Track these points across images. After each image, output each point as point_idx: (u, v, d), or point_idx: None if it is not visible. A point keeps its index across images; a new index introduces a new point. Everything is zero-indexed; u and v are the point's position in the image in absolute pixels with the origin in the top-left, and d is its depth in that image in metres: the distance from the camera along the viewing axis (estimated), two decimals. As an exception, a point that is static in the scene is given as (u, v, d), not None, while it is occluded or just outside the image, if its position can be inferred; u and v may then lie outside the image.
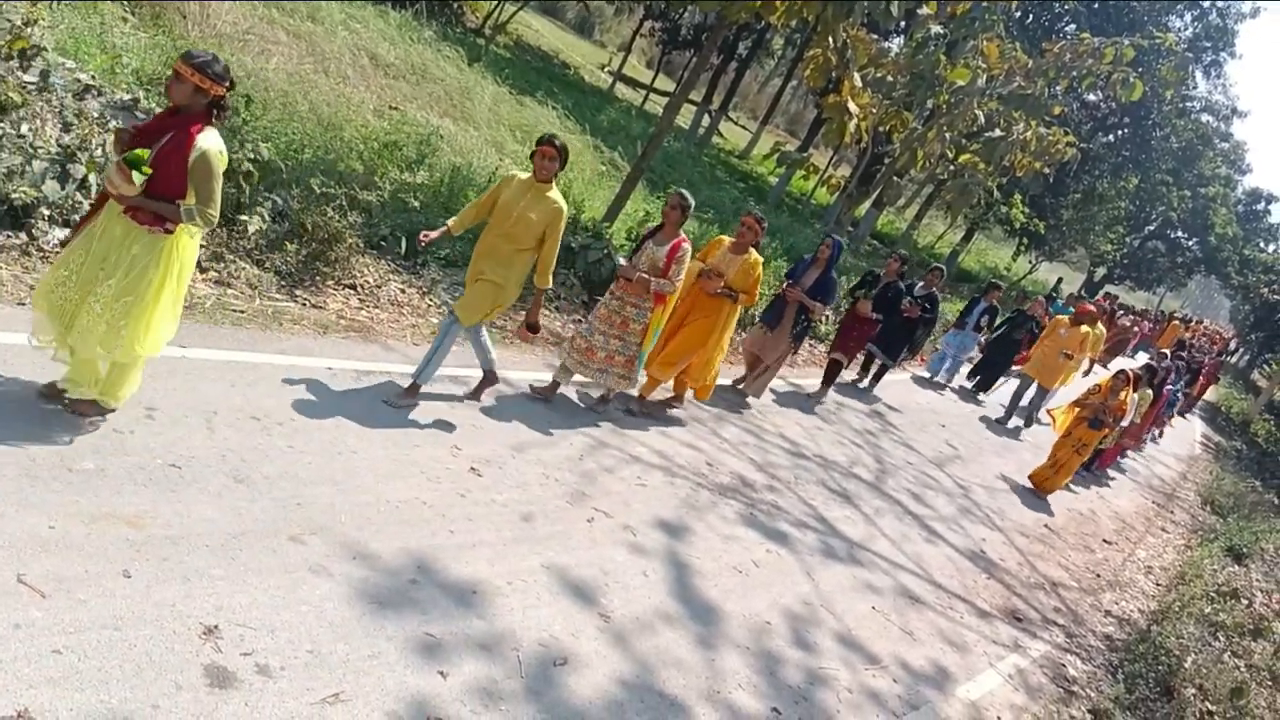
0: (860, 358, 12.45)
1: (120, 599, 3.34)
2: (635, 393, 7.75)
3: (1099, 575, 9.30)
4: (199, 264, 6.49)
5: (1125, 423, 11.46)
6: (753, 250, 7.84)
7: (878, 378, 12.42)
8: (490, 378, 6.42)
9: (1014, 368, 14.97)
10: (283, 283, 6.96)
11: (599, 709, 3.98)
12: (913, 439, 11.01)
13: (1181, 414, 21.84)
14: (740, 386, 9.49)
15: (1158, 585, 9.88)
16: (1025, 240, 34.49)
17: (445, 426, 5.84)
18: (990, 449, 12.25)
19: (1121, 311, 27.00)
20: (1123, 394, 10.58)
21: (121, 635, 3.19)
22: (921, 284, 12.01)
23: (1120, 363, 23.08)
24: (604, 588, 4.89)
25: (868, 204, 25.05)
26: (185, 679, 3.14)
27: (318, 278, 7.23)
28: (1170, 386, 15.43)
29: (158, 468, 4.14)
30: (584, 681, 4.10)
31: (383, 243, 8.24)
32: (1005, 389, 15.03)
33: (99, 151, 6.32)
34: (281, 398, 5.26)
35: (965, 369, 15.77)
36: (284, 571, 3.85)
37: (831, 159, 35.05)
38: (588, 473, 6.09)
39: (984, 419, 13.85)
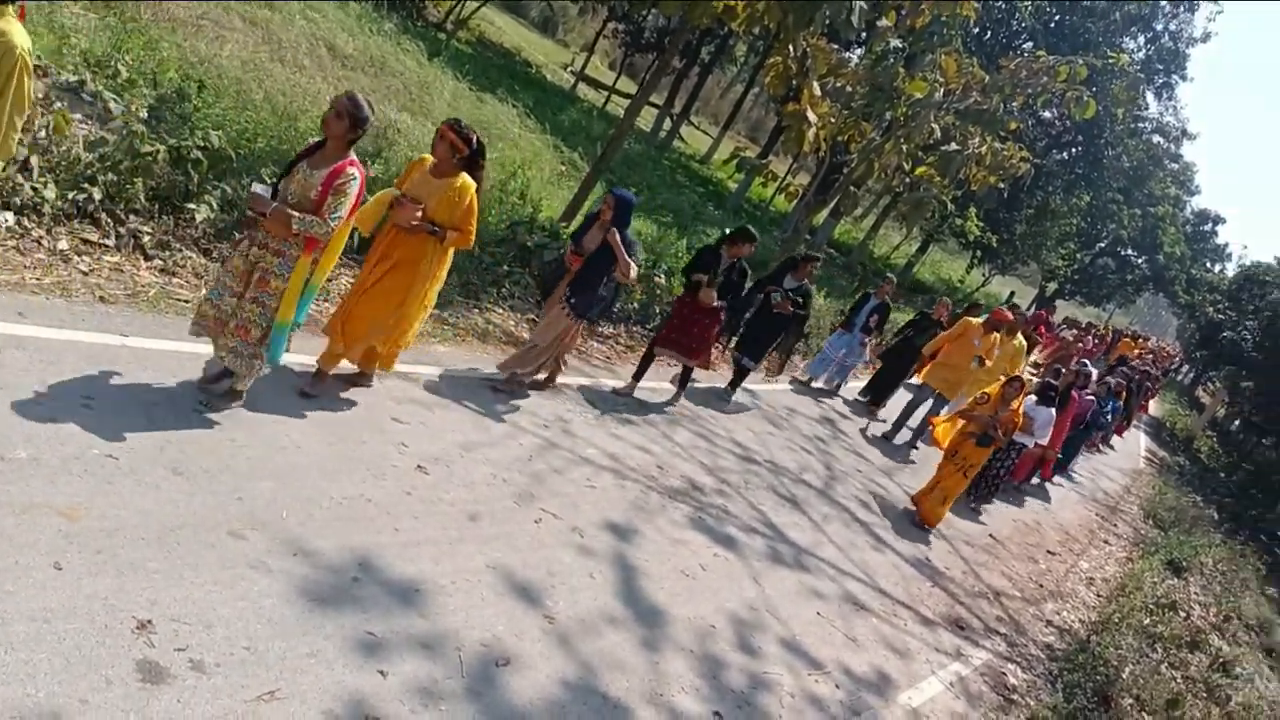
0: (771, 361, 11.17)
1: (50, 591, 3.26)
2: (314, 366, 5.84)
3: (1042, 585, 9.44)
4: (144, 252, 6.37)
5: (1030, 443, 10.51)
6: (463, 174, 5.73)
7: (737, 381, 10.36)
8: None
9: (912, 380, 13.24)
10: (231, 273, 6.84)
11: (540, 710, 3.95)
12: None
13: (1106, 441, 20.24)
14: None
15: (1099, 596, 10.05)
16: (979, 253, 34.96)
17: (393, 423, 5.77)
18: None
19: (1065, 326, 27.26)
20: (1015, 403, 9.00)
21: (51, 628, 3.11)
22: (792, 275, 10.29)
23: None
24: (550, 589, 4.86)
25: (825, 212, 25.24)
26: (116, 674, 3.07)
27: (267, 269, 7.11)
28: (1090, 399, 14.00)
29: (94, 458, 4.04)
30: (526, 682, 4.07)
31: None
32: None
33: (42, 134, 6.18)
34: (223, 390, 5.16)
35: (862, 380, 14.45)
36: (222, 566, 3.77)
37: (791, 167, 35.28)
38: (537, 474, 6.05)
39: (867, 436, 11.84)
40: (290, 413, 5.27)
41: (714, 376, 10.23)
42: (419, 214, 5.56)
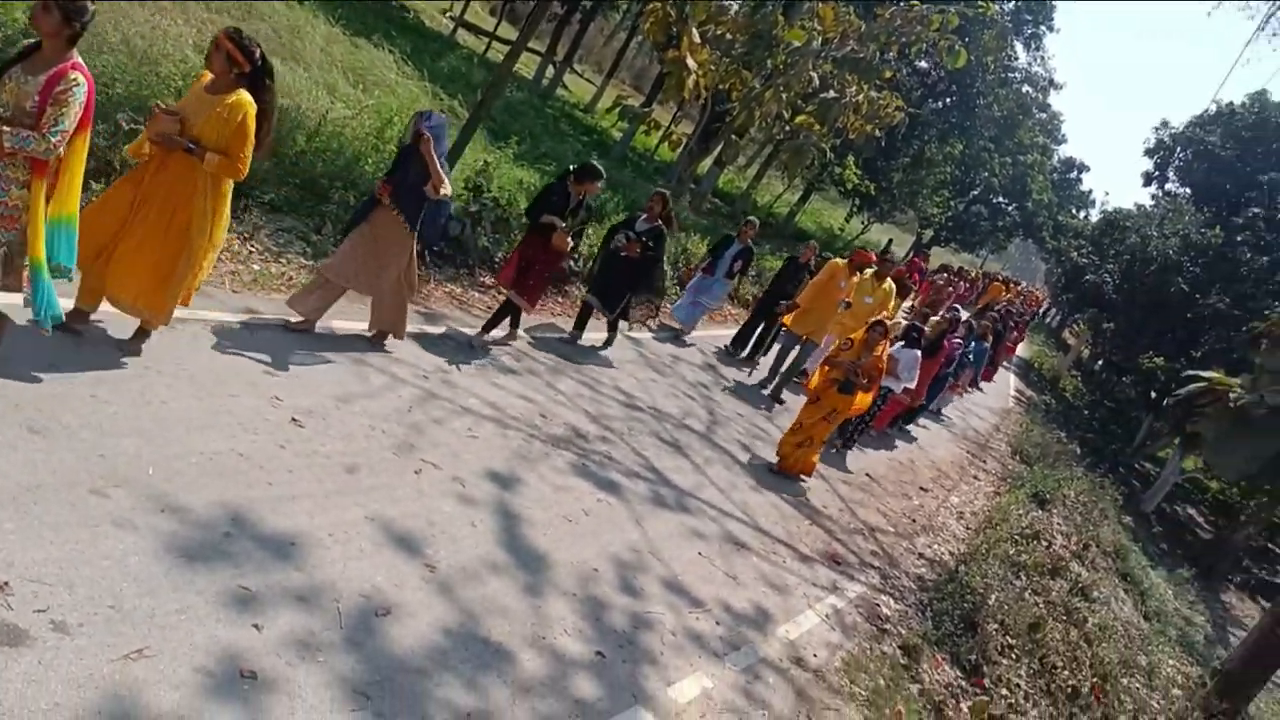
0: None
1: (-107, 557, 3.11)
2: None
3: (915, 520, 9.84)
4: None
5: (899, 387, 10.67)
6: (241, 91, 5.05)
7: (610, 333, 9.96)
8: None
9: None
10: (88, 224, 6.53)
11: (420, 657, 3.97)
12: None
13: (974, 384, 20.06)
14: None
15: (968, 529, 10.54)
16: (858, 201, 35.69)
17: (266, 376, 5.64)
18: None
19: (941, 271, 27.98)
20: (879, 349, 8.80)
21: (-105, 595, 2.98)
22: (644, 216, 9.59)
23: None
24: (430, 539, 4.86)
25: (709, 161, 25.36)
26: (-32, 639, 2.96)
27: (128, 220, 6.81)
28: (958, 342, 13.83)
29: (-61, 418, 3.85)
30: (406, 631, 4.08)
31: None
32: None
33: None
34: (84, 345, 4.96)
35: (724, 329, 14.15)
36: (84, 525, 3.66)
37: (674, 115, 35.26)
38: (416, 424, 6.01)
39: (737, 389, 11.18)
40: (157, 368, 5.09)
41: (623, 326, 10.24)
42: (177, 127, 4.92)
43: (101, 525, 3.72)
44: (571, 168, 8.41)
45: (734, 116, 16.75)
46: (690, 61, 12.89)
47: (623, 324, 10.12)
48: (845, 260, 11.82)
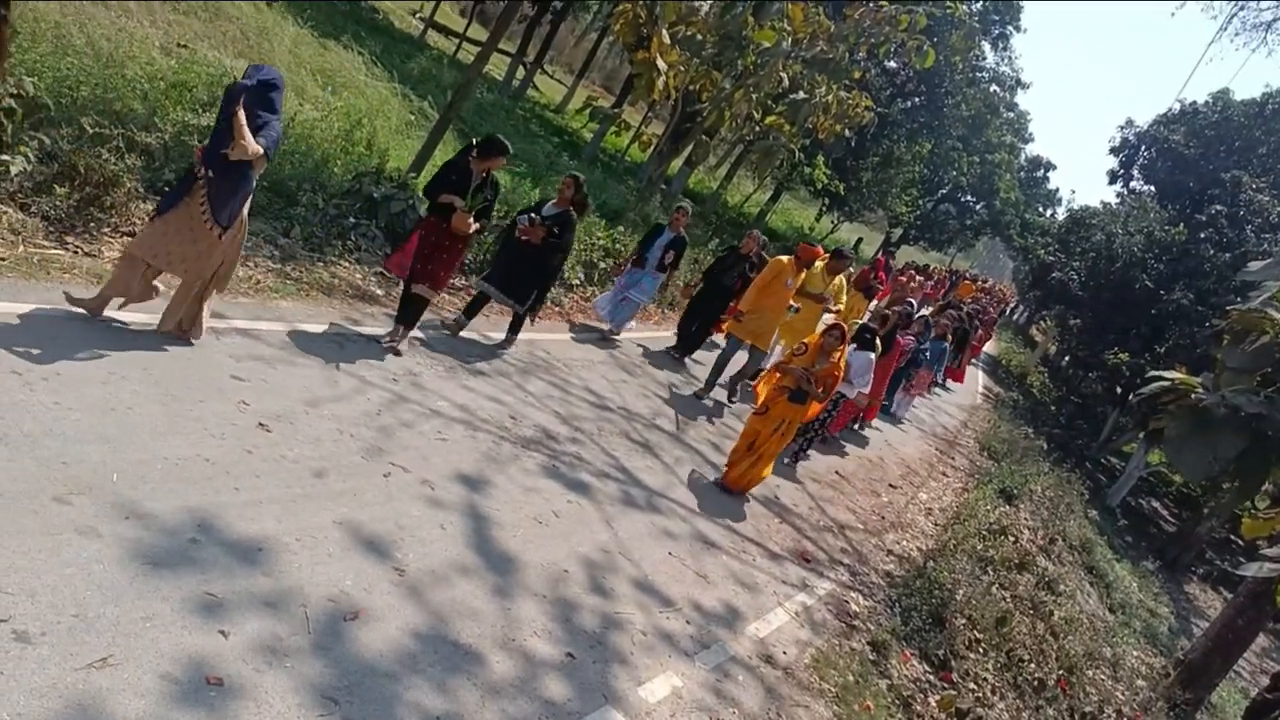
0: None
1: None
2: None
3: (883, 517, 9.92)
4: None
5: (852, 392, 9.98)
6: None
7: (514, 329, 8.88)
8: None
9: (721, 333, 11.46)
10: (51, 229, 6.48)
11: (389, 661, 3.98)
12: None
13: (940, 384, 20.02)
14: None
15: (936, 525, 10.64)
16: (828, 201, 35.86)
17: (233, 381, 5.61)
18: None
19: (905, 269, 27.97)
20: (836, 354, 8.00)
21: None
22: (553, 201, 8.72)
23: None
24: (399, 542, 4.86)
25: (680, 162, 25.41)
26: (-71, 650, 2.94)
27: (92, 224, 6.77)
28: (913, 339, 13.51)
29: (-101, 427, 3.82)
30: (375, 635, 4.08)
31: (166, 188, 7.76)
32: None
33: None
34: (48, 351, 4.92)
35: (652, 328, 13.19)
36: (46, 533, 3.64)
37: (645, 116, 35.29)
38: (385, 428, 6.00)
39: (672, 396, 10.00)
40: (122, 374, 5.06)
41: (554, 326, 10.26)
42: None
43: (64, 533, 3.69)
44: (475, 140, 7.61)
45: (704, 117, 16.78)
46: (660, 62, 12.92)
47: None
48: (790, 257, 10.56)
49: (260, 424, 5.26)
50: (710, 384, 10.62)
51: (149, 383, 5.11)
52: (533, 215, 8.44)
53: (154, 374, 5.23)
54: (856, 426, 13.16)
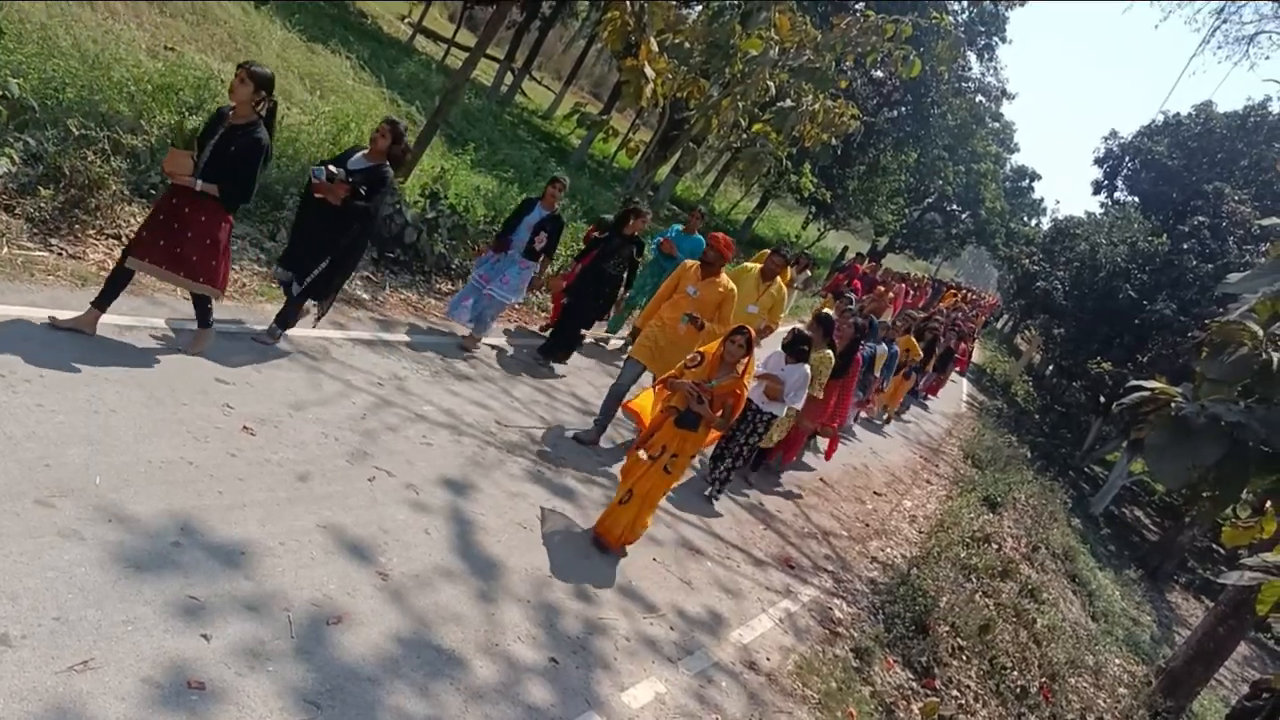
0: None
1: None
2: None
3: (868, 524, 9.95)
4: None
5: (783, 411, 8.08)
6: None
7: (285, 317, 6.63)
8: None
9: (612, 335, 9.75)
10: (35, 231, 6.45)
11: (372, 665, 3.97)
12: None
13: (921, 398, 19.46)
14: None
15: (920, 532, 10.67)
16: (814, 209, 35.99)
17: (217, 384, 5.60)
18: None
19: (882, 276, 26.58)
20: (741, 365, 6.16)
21: None
22: (364, 151, 6.59)
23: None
24: (383, 546, 4.85)
25: (667, 169, 25.47)
26: (-92, 652, 2.92)
27: (77, 226, 6.74)
28: (873, 346, 11.52)
29: (-120, 428, 3.79)
30: (358, 639, 4.08)
31: (153, 191, 7.75)
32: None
33: None
34: (31, 353, 4.89)
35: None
36: (28, 536, 3.62)
37: (633, 123, 35.37)
38: (370, 431, 5.99)
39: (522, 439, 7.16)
40: (105, 376, 5.04)
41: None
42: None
43: (46, 536, 3.68)
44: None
45: (692, 124, 16.83)
46: (648, 69, 12.94)
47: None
48: (697, 263, 8.15)
49: (244, 427, 5.25)
50: (601, 427, 7.86)
51: (133, 385, 5.10)
52: (332, 168, 6.30)
53: (138, 377, 5.21)
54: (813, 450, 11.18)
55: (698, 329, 7.68)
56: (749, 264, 10.08)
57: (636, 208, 9.62)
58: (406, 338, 8.05)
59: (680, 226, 11.82)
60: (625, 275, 9.69)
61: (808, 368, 7.95)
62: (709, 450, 8.10)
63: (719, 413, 6.10)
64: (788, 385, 7.89)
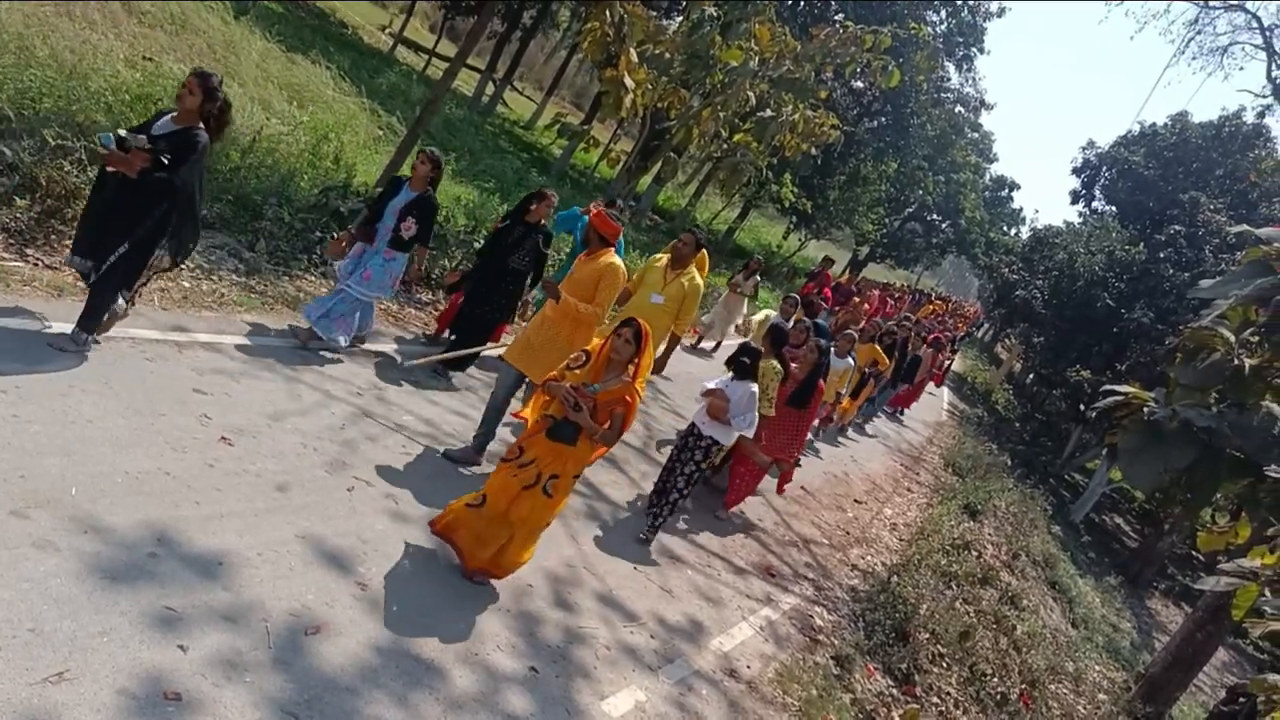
0: None
1: None
2: None
3: (848, 532, 9.98)
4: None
5: (729, 438, 7.14)
6: None
7: (90, 312, 5.45)
8: None
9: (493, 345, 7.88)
10: (11, 241, 6.42)
11: (351, 675, 3.96)
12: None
13: (893, 412, 18.88)
14: None
15: (900, 540, 10.71)
16: (795, 218, 36.13)
17: (195, 395, 5.57)
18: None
19: (856, 285, 25.77)
20: (634, 366, 5.05)
21: None
22: (173, 114, 5.56)
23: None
24: (362, 556, 4.84)
25: (649, 179, 25.56)
26: (-120, 665, 2.90)
27: (53, 236, 6.71)
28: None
29: None
30: (336, 649, 4.07)
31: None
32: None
33: None
34: (6, 364, 4.87)
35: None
36: (2, 547, 3.60)
37: (614, 133, 35.46)
38: (349, 442, 5.98)
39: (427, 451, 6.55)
40: (82, 387, 5.01)
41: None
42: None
43: (21, 547, 3.66)
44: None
45: (672, 134, 16.88)
46: (628, 80, 13.00)
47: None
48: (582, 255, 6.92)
49: (222, 437, 5.23)
50: (481, 443, 6.62)
51: (110, 396, 5.07)
52: (123, 133, 5.30)
53: (115, 387, 5.19)
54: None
55: (554, 300, 6.34)
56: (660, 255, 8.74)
57: (541, 190, 8.28)
58: (393, 346, 8.03)
59: (578, 209, 9.80)
60: (531, 271, 8.12)
61: (755, 386, 7.12)
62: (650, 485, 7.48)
63: (605, 423, 5.00)
64: (733, 404, 6.99)
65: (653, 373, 7.25)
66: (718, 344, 15.26)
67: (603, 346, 5.13)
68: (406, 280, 7.83)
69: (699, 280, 8.23)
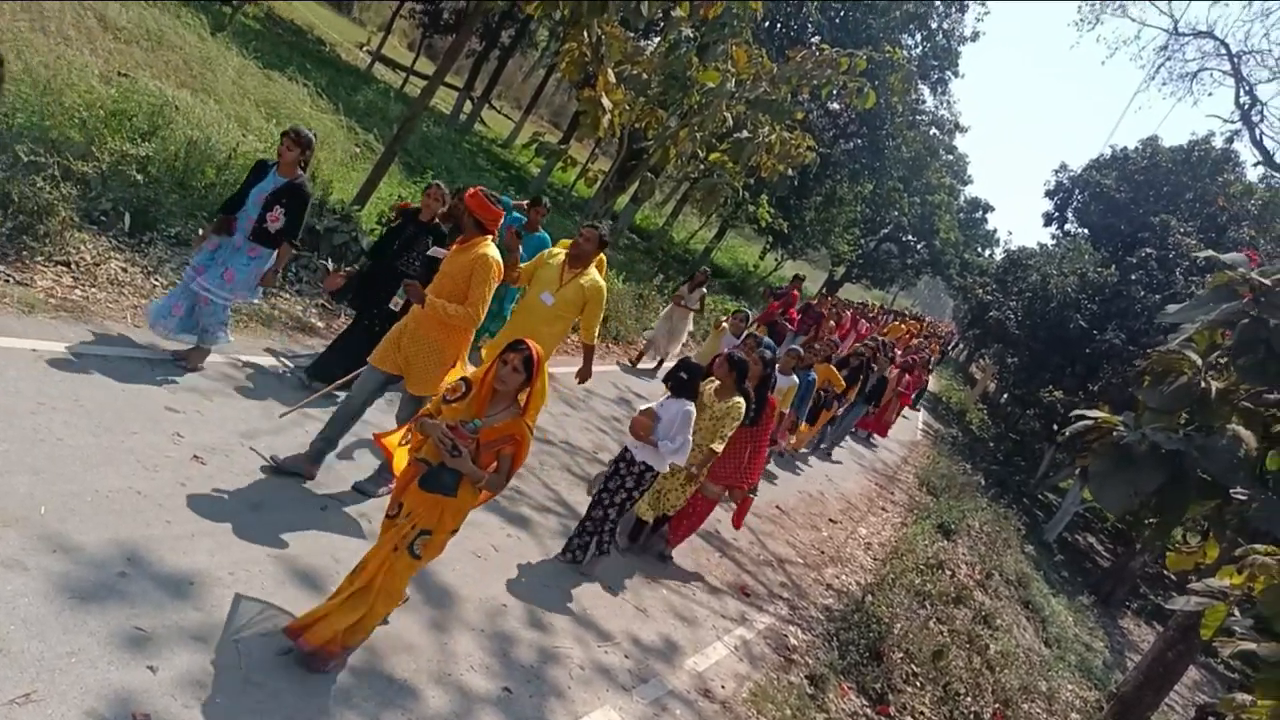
0: None
1: None
2: None
3: (823, 552, 10.01)
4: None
5: (663, 464, 6.33)
6: None
7: None
8: None
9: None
10: (-18, 257, 6.37)
11: (323, 696, 3.94)
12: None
13: (866, 435, 18.45)
14: None
15: (875, 559, 10.75)
16: (771, 239, 36.34)
17: (167, 413, 5.54)
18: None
19: (821, 303, 23.91)
20: (526, 394, 4.11)
21: None
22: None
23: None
24: (335, 576, 4.80)
25: (626, 198, 25.63)
26: None
27: (24, 253, 6.65)
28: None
29: None
30: (309, 670, 4.03)
31: (104, 217, 7.68)
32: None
33: None
34: (-25, 382, 4.83)
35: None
36: (-31, 567, 3.56)
37: (592, 152, 35.57)
38: (324, 461, 5.94)
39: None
40: (52, 405, 4.97)
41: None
42: None
43: (-11, 566, 3.62)
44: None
45: (650, 154, 16.97)
46: (606, 100, 13.07)
47: None
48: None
49: (195, 456, 5.20)
50: (317, 452, 5.69)
51: (80, 413, 5.03)
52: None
53: (85, 405, 5.15)
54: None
55: (419, 304, 5.43)
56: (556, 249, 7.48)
57: (435, 185, 7.42)
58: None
59: (522, 218, 9.31)
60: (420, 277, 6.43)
61: (691, 406, 6.28)
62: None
63: (491, 466, 4.11)
64: (662, 424, 6.19)
65: (579, 383, 7.00)
66: (660, 362, 13.81)
67: (485, 374, 4.12)
68: (261, 282, 6.67)
69: (600, 282, 7.13)
